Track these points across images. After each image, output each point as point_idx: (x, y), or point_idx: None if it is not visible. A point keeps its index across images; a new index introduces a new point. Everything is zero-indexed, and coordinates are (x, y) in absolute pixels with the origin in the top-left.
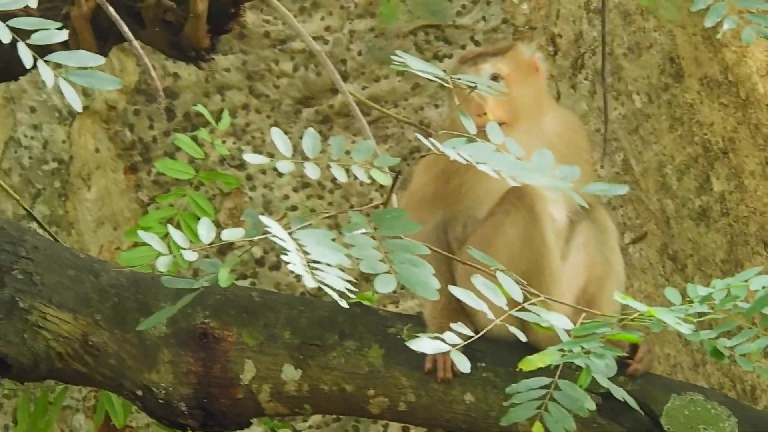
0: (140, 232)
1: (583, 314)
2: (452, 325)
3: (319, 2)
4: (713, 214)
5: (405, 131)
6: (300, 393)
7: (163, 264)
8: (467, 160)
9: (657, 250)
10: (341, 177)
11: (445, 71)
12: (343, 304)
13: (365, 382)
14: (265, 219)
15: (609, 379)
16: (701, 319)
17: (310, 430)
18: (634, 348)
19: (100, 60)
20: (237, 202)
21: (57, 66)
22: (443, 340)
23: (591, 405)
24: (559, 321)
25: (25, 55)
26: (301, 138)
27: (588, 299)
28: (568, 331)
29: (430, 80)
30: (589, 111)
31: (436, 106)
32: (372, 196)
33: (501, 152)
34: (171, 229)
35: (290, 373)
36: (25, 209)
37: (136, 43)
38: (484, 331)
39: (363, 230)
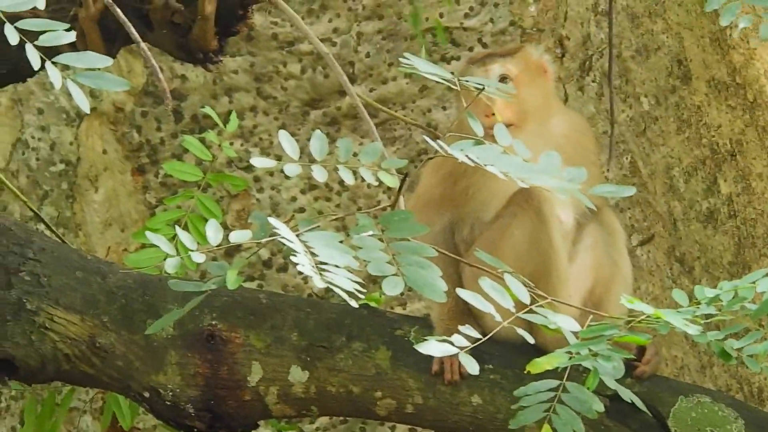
0: (148, 234)
1: (591, 316)
2: (460, 328)
3: (326, 4)
4: (720, 216)
5: (412, 133)
6: (307, 395)
7: (171, 266)
8: (475, 162)
9: (664, 252)
10: (349, 179)
11: (452, 73)
12: (353, 304)
13: (372, 384)
14: (273, 221)
15: (616, 380)
16: (708, 320)
17: None
18: (641, 350)
19: (108, 61)
20: (244, 204)
21: (65, 67)
22: (451, 343)
23: (599, 407)
24: (566, 323)
25: (33, 57)
26: (308, 140)
27: (595, 301)
28: (575, 333)
29: (438, 82)
30: (597, 113)
31: (444, 109)
32: (379, 198)
33: (508, 154)
34: (179, 230)
35: (297, 374)
36: (33, 211)
37: (143, 44)
38: (492, 333)
39: (371, 232)
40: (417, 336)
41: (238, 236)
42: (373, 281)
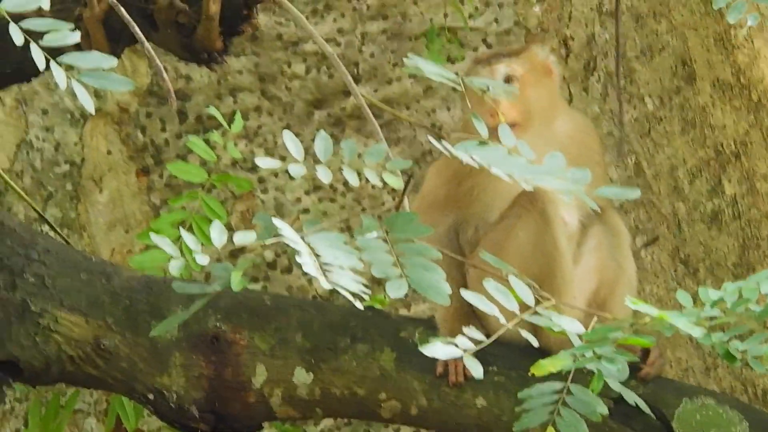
0: (152, 236)
1: (595, 318)
2: (464, 329)
3: (331, 4)
4: (725, 217)
5: (417, 134)
6: (312, 397)
7: (175, 267)
8: (479, 163)
9: (669, 253)
10: (353, 180)
11: (457, 73)
12: (358, 305)
13: (377, 386)
14: (277, 222)
15: (620, 382)
16: (713, 322)
17: None
18: (645, 352)
19: (113, 61)
20: (249, 205)
21: (69, 68)
22: (455, 345)
23: (603, 410)
24: (571, 325)
25: (38, 57)
26: (313, 140)
27: (600, 303)
28: (580, 336)
29: (443, 83)
30: (601, 114)
31: (448, 109)
32: (384, 199)
33: (513, 155)
34: (183, 232)
35: (302, 376)
36: (37, 212)
37: (148, 44)
38: (496, 335)
39: (375, 234)
40: (422, 338)
41: (242, 237)
42: (377, 283)
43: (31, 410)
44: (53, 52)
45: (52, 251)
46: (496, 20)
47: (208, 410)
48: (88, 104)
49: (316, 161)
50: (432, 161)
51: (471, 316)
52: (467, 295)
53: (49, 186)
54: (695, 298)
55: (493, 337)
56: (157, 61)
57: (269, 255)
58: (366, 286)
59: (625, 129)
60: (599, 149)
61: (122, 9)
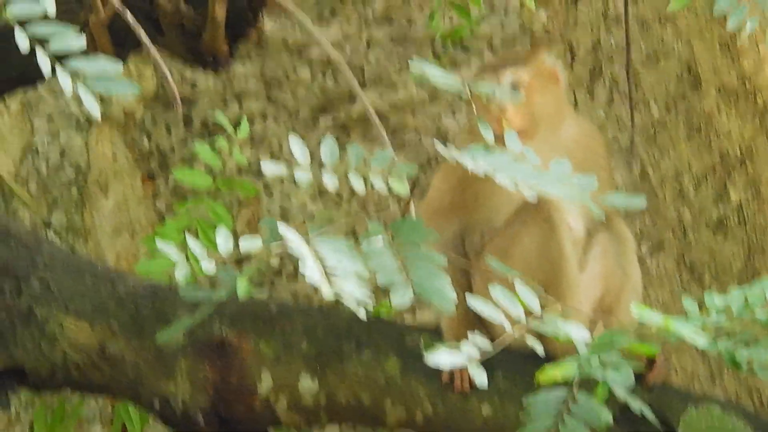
0: (157, 241)
1: (600, 324)
2: (470, 336)
3: (336, 9)
4: (730, 223)
5: (422, 140)
6: (317, 403)
7: (180, 273)
8: (485, 171)
9: (674, 259)
10: (359, 186)
11: (462, 79)
12: (362, 313)
13: (382, 393)
14: (282, 227)
15: (626, 389)
16: (718, 330)
17: None
18: (650, 358)
19: (119, 66)
20: (254, 211)
21: (74, 73)
22: (460, 352)
23: (608, 418)
24: (577, 332)
25: (44, 62)
26: (318, 146)
27: (605, 310)
28: (586, 342)
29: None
30: (607, 119)
31: (454, 114)
32: (389, 205)
33: (519, 161)
34: (189, 238)
35: (307, 383)
36: (42, 218)
37: (153, 49)
38: (502, 343)
39: (380, 239)
40: (427, 344)
41: (248, 243)
42: (383, 290)
43: (37, 417)
44: (59, 58)
45: (57, 257)
46: (501, 26)
47: (213, 416)
48: (94, 109)
49: (322, 167)
50: (437, 167)
51: (476, 322)
52: (473, 301)
53: (55, 191)
54: (701, 305)
55: (499, 347)
56: (163, 66)
57: (275, 262)
58: (371, 293)
59: (633, 134)
60: (605, 155)
61: (128, 13)
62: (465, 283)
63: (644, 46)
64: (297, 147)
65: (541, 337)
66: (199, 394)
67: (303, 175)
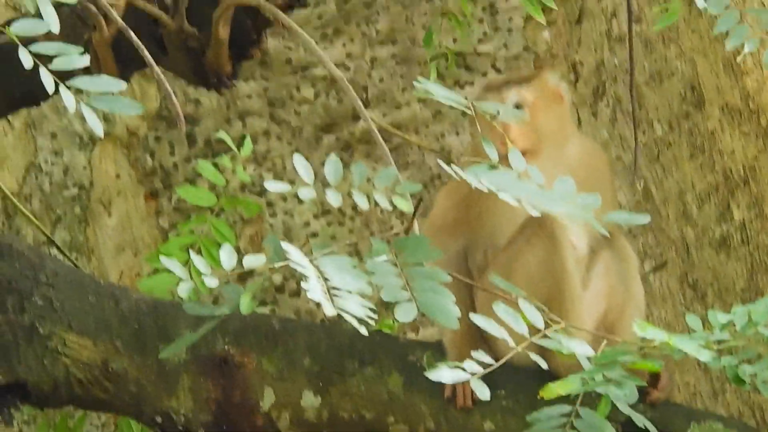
0: (161, 258)
1: (604, 342)
2: (472, 353)
3: (340, 29)
4: (733, 242)
5: (426, 158)
6: (320, 420)
7: (184, 290)
8: (488, 188)
9: (677, 278)
10: (363, 204)
11: (466, 98)
12: (363, 331)
13: (385, 409)
14: (285, 245)
15: (629, 405)
16: (722, 346)
17: None
18: (654, 375)
19: (122, 85)
20: (257, 229)
21: (78, 91)
22: (463, 369)
23: None
24: (580, 348)
25: (48, 81)
26: (321, 165)
27: (608, 327)
28: (589, 359)
29: (452, 107)
30: (610, 138)
31: (458, 133)
32: (392, 223)
33: (523, 180)
34: (193, 255)
35: (310, 399)
36: (46, 235)
37: (157, 68)
38: (505, 359)
39: (384, 257)
40: (429, 361)
41: (251, 261)
42: (386, 306)
43: None
44: (62, 76)
45: (60, 274)
46: (505, 45)
47: None
48: (97, 128)
49: (325, 185)
50: (441, 185)
51: (480, 339)
52: (476, 318)
53: (58, 209)
54: (704, 323)
55: (502, 361)
56: (167, 85)
57: (277, 278)
58: (373, 311)
59: (636, 153)
60: (609, 174)
61: (132, 33)
62: (468, 299)
63: (648, 65)
64: (301, 165)
65: (544, 354)
66: (201, 410)
67: (307, 193)
